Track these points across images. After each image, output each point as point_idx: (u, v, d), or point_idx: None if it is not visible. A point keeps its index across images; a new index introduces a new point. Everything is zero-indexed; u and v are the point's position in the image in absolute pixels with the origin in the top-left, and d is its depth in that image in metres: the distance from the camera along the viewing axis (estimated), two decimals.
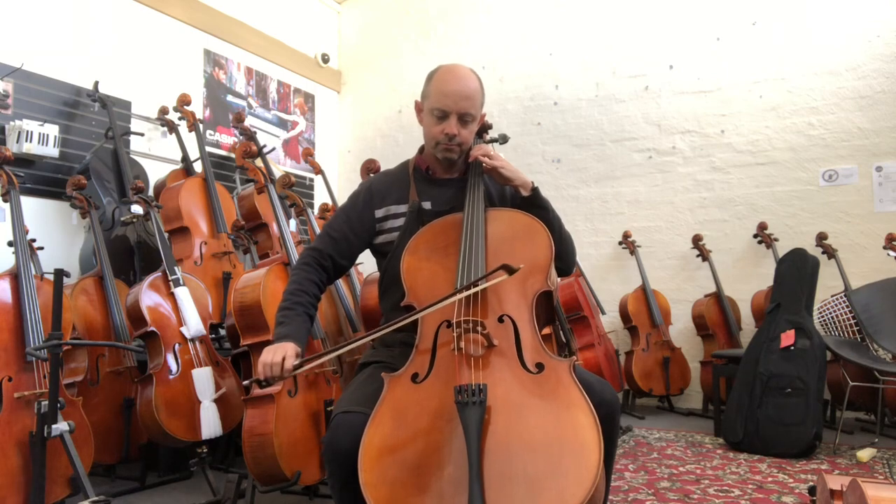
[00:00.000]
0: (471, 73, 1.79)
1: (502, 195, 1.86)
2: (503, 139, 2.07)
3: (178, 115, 4.15)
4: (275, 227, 3.54)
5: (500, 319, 1.49)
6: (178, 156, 4.08)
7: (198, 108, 4.56)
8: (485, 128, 2.00)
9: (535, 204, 1.76)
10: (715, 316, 4.49)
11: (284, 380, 1.67)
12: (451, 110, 1.74)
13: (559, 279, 1.74)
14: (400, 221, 1.81)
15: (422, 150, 1.90)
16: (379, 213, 1.84)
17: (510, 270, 1.46)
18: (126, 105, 4.14)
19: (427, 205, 1.81)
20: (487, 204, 1.76)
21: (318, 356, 1.57)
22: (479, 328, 1.41)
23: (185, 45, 4.62)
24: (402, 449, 1.30)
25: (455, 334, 1.42)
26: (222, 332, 3.26)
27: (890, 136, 4.27)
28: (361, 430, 1.34)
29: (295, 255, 2.62)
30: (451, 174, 1.86)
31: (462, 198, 1.75)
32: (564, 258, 1.76)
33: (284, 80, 5.52)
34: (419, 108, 1.85)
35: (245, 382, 1.71)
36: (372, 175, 3.07)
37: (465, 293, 1.48)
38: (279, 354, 1.57)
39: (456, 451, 1.24)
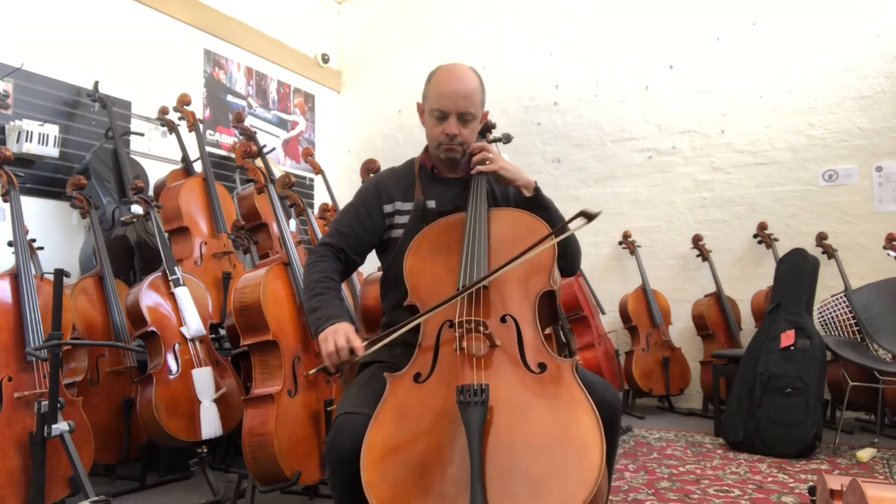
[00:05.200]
0: (469, 72, 1.78)
1: (506, 195, 1.86)
2: (507, 139, 2.07)
3: (178, 115, 4.14)
4: (275, 227, 3.54)
5: (503, 319, 1.48)
6: (178, 156, 4.08)
7: (198, 108, 4.56)
8: (488, 127, 2.00)
9: (537, 204, 1.76)
10: (715, 316, 4.49)
11: (354, 363, 1.55)
12: (450, 110, 1.73)
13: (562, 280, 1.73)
14: (405, 219, 1.80)
15: (427, 148, 1.90)
16: (387, 209, 1.83)
17: (589, 216, 1.39)
18: (126, 105, 4.13)
19: (432, 204, 1.81)
20: (490, 204, 1.76)
21: (386, 335, 1.49)
22: (481, 328, 1.41)
23: (185, 45, 4.62)
24: (405, 449, 1.30)
25: (457, 334, 1.42)
26: (222, 332, 3.26)
27: (890, 136, 4.27)
28: (364, 431, 1.33)
29: (295, 255, 2.62)
30: (455, 174, 1.86)
31: (466, 197, 1.74)
32: (569, 258, 1.75)
33: (284, 80, 5.52)
34: (421, 110, 1.85)
35: (311, 372, 1.61)
36: (373, 174, 3.07)
37: (535, 251, 1.44)
38: (342, 338, 1.50)
39: (458, 451, 1.24)
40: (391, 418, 1.35)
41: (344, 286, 2.93)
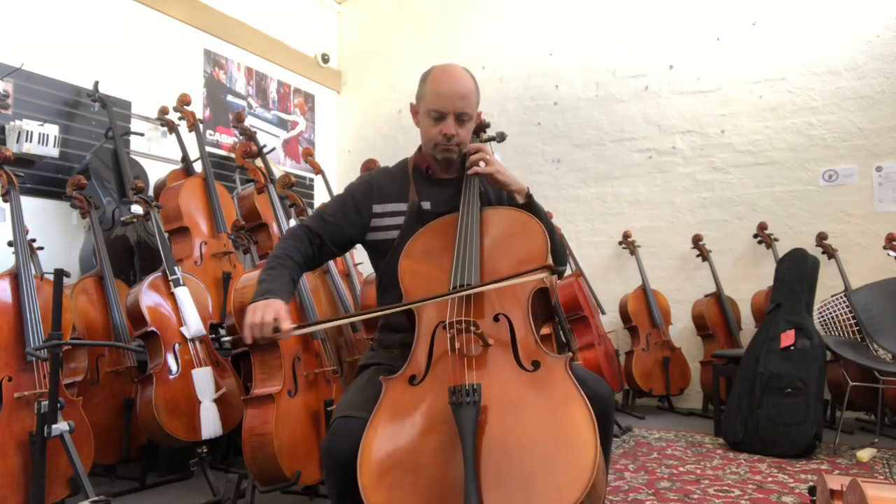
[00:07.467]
0: (465, 72, 1.79)
1: (500, 199, 1.86)
2: (500, 137, 2.07)
3: (178, 115, 4.14)
4: (275, 227, 3.54)
5: (496, 318, 1.49)
6: (178, 156, 4.08)
7: (198, 108, 4.56)
8: (482, 126, 2.00)
9: (528, 211, 1.76)
10: (715, 316, 4.49)
11: (277, 340, 1.56)
12: (448, 111, 1.73)
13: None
14: (399, 220, 1.80)
15: (420, 148, 1.90)
16: (377, 209, 1.83)
17: (552, 270, 1.42)
18: (126, 105, 4.14)
19: (426, 205, 1.81)
20: (483, 204, 1.76)
21: (315, 322, 1.49)
22: (472, 328, 1.41)
23: (185, 45, 4.62)
24: (401, 452, 1.30)
25: (449, 335, 1.42)
26: (222, 332, 3.26)
27: (890, 136, 4.27)
28: (359, 435, 1.33)
29: None
30: (450, 174, 1.86)
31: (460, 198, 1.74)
32: (554, 260, 1.75)
33: (284, 80, 5.52)
34: (415, 111, 1.85)
35: (227, 339, 1.63)
36: (366, 171, 3.06)
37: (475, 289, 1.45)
38: (270, 314, 1.49)
39: (453, 451, 1.24)
40: (387, 421, 1.35)
41: (344, 286, 2.94)
